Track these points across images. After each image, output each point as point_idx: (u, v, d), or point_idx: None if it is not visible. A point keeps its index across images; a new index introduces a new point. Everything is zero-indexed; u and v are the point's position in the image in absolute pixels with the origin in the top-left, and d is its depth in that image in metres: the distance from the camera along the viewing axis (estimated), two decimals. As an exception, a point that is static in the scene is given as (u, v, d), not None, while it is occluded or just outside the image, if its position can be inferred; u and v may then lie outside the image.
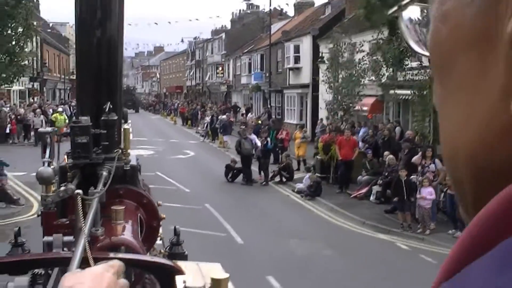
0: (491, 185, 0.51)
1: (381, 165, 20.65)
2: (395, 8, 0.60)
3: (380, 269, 12.86)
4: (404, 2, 0.60)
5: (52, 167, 2.82)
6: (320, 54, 35.11)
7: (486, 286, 0.44)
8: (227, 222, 16.66)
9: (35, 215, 3.26)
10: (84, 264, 1.92)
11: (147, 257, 2.76)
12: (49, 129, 3.17)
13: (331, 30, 35.18)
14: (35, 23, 32.34)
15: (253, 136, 24.33)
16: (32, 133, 33.22)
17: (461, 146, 0.54)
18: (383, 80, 21.30)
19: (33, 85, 49.12)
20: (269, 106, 47.06)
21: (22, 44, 31.94)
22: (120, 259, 1.73)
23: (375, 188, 19.29)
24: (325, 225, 17.39)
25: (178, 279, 2.45)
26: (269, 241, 15.00)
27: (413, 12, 0.59)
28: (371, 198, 19.29)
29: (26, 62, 34.73)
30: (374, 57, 22.57)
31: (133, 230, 2.84)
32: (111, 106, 3.07)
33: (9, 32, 30.25)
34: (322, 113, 36.89)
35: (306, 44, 41.23)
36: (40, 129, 3.26)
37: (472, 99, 0.51)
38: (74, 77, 49.01)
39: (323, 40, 37.95)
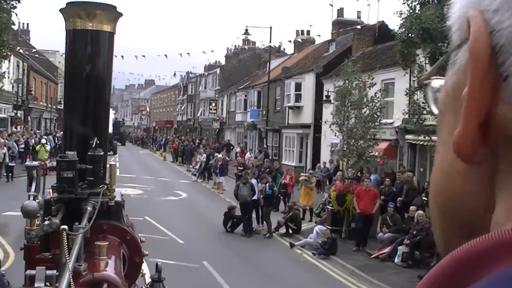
0: (453, 221, 0.64)
1: (404, 221, 18.04)
2: (427, 81, 0.71)
3: None
4: (433, 78, 0.71)
5: (37, 201, 2.86)
6: (326, 93, 32.85)
7: None
8: (230, 287, 13.87)
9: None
10: None
11: None
12: (35, 163, 3.18)
13: (342, 64, 32.99)
14: (10, 40, 28.54)
15: (254, 181, 21.63)
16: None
17: (433, 184, 0.67)
18: (427, 123, 18.86)
19: (16, 113, 46.23)
20: (265, 145, 44.53)
21: None
22: None
23: (401, 249, 16.56)
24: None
25: None
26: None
27: (438, 82, 0.70)
28: (396, 260, 16.56)
29: (0, 85, 31.26)
30: (414, 98, 20.16)
31: (115, 266, 2.91)
32: (98, 142, 3.16)
33: None
34: (325, 156, 34.47)
35: (308, 82, 38.88)
36: (27, 163, 3.26)
37: (445, 150, 0.63)
38: (61, 107, 46.27)
39: (328, 78, 35.72)
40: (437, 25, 15.95)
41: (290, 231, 20.33)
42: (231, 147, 50.09)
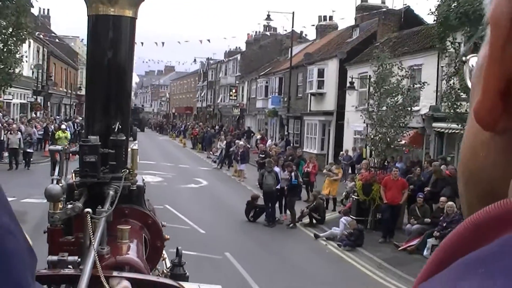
0: (477, 192, 0.64)
1: (433, 213, 17.37)
2: (468, 56, 0.70)
3: None
4: (471, 56, 0.70)
5: (60, 185, 2.87)
6: (350, 79, 32.07)
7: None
8: (254, 279, 13.34)
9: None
10: (92, 282, 2.11)
11: (153, 277, 2.86)
12: (59, 147, 3.26)
13: (367, 50, 32.10)
14: (28, 22, 27.86)
15: (277, 169, 21.04)
16: (6, 153, 29.15)
17: (461, 159, 0.67)
18: (459, 110, 18.13)
19: (36, 99, 45.97)
20: (287, 132, 43.88)
21: (11, 47, 27.69)
22: (126, 278, 2.12)
23: (431, 241, 15.89)
24: (373, 286, 14.05)
25: None
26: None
27: (474, 59, 0.68)
28: (425, 252, 15.88)
29: (18, 70, 30.64)
30: (450, 82, 19.38)
31: (138, 249, 2.94)
32: (120, 127, 3.18)
33: None
34: (348, 144, 33.76)
35: (331, 68, 38.09)
36: (51, 147, 3.62)
37: (471, 122, 0.63)
38: (81, 92, 46.07)
39: (352, 64, 34.91)
40: (476, 7, 15.23)
41: (314, 221, 19.75)
42: (252, 134, 49.55)
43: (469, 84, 0.67)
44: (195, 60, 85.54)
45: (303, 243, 17.75)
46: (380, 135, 19.80)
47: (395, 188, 17.78)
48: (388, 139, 19.61)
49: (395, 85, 19.71)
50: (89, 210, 2.59)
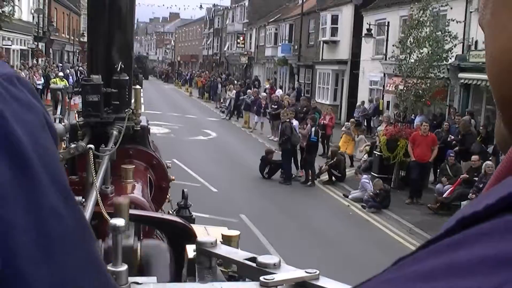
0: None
1: (467, 172, 15.94)
2: None
3: None
4: None
5: (63, 124, 2.83)
6: (367, 26, 30.25)
7: None
8: (273, 245, 12.06)
9: None
10: (95, 218, 2.16)
11: (159, 214, 2.77)
12: (60, 85, 3.42)
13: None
14: None
15: (296, 123, 19.54)
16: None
17: (489, 77, 0.57)
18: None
19: (37, 45, 44.18)
20: (298, 82, 42.17)
21: None
22: (132, 215, 1.99)
23: (465, 204, 14.50)
24: (402, 253, 12.75)
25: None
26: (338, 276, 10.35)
27: None
28: (459, 215, 14.53)
29: (7, 9, 28.87)
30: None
31: (142, 189, 2.94)
32: (123, 66, 3.15)
33: None
34: (363, 95, 32.15)
35: (346, 14, 36.15)
36: (52, 86, 3.57)
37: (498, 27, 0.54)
38: (84, 39, 44.38)
39: (368, 10, 32.94)
40: None
41: (333, 178, 18.38)
42: (258, 83, 47.72)
43: None
44: (201, 6, 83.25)
45: (323, 204, 16.42)
46: (409, 87, 18.17)
47: (424, 145, 16.28)
48: (420, 91, 18.01)
49: (427, 33, 17.95)
50: (92, 146, 2.61)
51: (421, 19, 18.19)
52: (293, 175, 18.68)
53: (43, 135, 0.69)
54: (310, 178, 18.28)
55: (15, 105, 0.66)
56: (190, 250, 1.78)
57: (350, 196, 16.58)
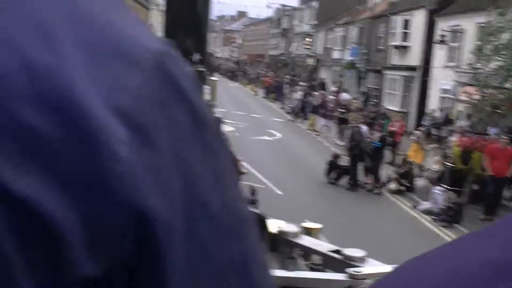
0: None
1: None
2: None
3: None
4: None
5: None
6: (441, 32, 29.33)
7: None
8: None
9: None
10: None
11: None
12: None
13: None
14: None
15: (365, 128, 19.02)
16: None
17: None
18: None
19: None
20: (366, 87, 41.38)
21: None
22: None
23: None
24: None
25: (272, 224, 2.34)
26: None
27: None
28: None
29: None
30: None
31: None
32: (201, 58, 3.22)
33: None
34: (432, 103, 31.23)
35: (418, 19, 35.13)
36: None
37: None
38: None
39: (442, 15, 31.92)
40: None
41: (402, 187, 17.76)
42: (324, 86, 47.11)
43: None
44: (268, 6, 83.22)
45: (391, 214, 15.85)
46: (485, 96, 17.40)
47: (502, 158, 15.49)
48: (496, 102, 17.21)
49: (507, 40, 17.12)
50: None
51: (499, 25, 17.36)
52: (361, 182, 18.17)
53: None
54: (376, 185, 17.71)
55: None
56: (273, 226, 1.62)
57: (419, 208, 15.96)
